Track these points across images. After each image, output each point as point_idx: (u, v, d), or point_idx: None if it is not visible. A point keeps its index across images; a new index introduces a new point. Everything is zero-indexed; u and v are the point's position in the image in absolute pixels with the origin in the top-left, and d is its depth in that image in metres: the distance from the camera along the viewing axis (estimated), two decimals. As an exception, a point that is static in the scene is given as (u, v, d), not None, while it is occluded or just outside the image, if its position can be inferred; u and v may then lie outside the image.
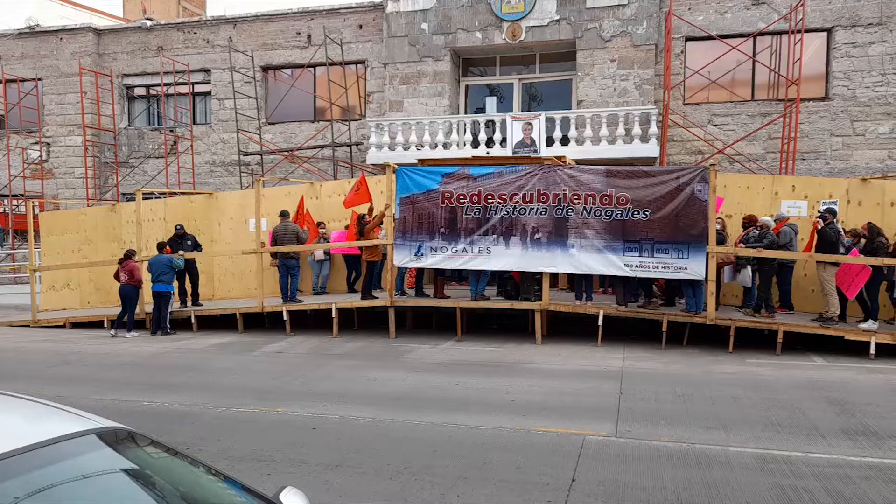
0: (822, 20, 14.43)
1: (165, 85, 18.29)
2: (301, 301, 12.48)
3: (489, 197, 10.90)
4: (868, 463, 5.43)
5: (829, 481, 5.02)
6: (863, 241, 10.00)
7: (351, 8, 17.41)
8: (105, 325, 13.37)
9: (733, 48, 14.26)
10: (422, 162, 12.69)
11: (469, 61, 17.32)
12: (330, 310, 11.80)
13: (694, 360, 9.46)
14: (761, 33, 14.62)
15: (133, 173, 18.78)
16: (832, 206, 10.66)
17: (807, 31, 14.10)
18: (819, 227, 9.84)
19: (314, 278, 13.58)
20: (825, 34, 14.61)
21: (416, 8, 16.36)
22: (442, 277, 12.07)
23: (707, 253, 10.00)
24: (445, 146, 15.26)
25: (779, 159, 14.44)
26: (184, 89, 18.67)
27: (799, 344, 9.83)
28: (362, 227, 11.92)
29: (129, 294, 12.35)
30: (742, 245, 10.42)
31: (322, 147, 17.02)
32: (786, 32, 14.32)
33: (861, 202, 11.11)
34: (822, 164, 14.47)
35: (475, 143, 15.03)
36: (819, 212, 10.58)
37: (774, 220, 10.66)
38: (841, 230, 10.06)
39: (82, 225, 15.18)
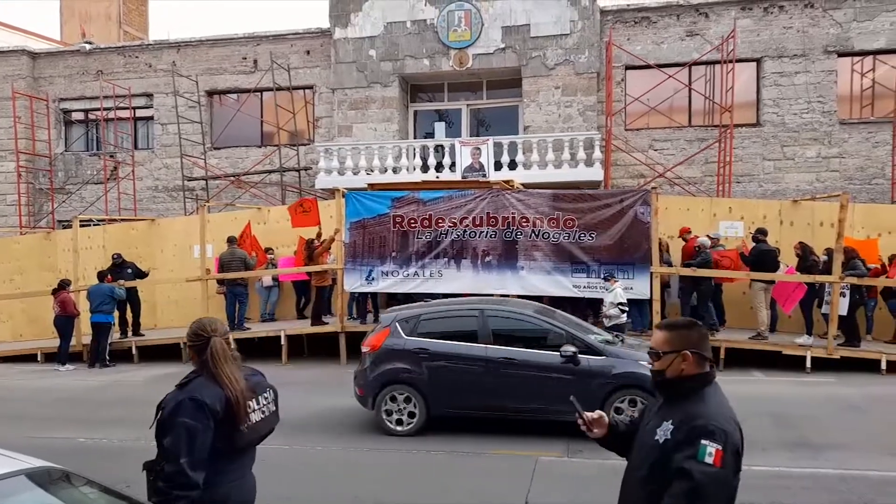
0: (751, 51, 15.22)
1: (105, 109, 17.75)
2: (249, 329, 12.18)
3: (439, 221, 10.97)
4: (807, 473, 5.63)
5: (771, 492, 5.18)
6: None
7: (298, 34, 17.38)
8: (39, 358, 12.72)
9: (670, 77, 14.88)
10: (372, 186, 12.67)
11: (417, 87, 17.50)
12: (279, 337, 11.55)
13: (641, 379, 9.64)
14: (696, 63, 15.32)
15: (70, 200, 18.06)
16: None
17: (738, 61, 14.84)
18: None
19: (262, 305, 13.29)
20: (755, 64, 15.41)
21: (364, 35, 16.47)
22: (394, 301, 12.01)
23: (651, 273, 10.29)
24: (395, 171, 15.29)
25: (716, 182, 15.05)
26: (125, 114, 18.16)
27: (739, 359, 10.18)
28: (311, 252, 11.77)
29: (62, 326, 11.85)
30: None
31: (270, 172, 16.80)
32: (718, 62, 15.03)
33: (793, 223, 11.68)
34: (755, 186, 15.15)
35: (425, 168, 15.12)
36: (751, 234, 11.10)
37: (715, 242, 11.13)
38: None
39: (14, 254, 14.49)
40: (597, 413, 2.56)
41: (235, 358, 2.90)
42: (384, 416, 6.95)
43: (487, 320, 7.00)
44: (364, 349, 7.24)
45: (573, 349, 6.51)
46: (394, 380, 6.96)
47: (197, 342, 2.86)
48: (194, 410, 2.63)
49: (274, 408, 3.02)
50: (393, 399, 6.95)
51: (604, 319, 9.52)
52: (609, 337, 7.33)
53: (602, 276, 10.21)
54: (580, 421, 2.54)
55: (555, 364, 6.55)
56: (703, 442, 2.07)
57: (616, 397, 6.49)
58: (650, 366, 2.38)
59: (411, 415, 6.90)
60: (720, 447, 2.07)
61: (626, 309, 9.29)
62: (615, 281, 9.74)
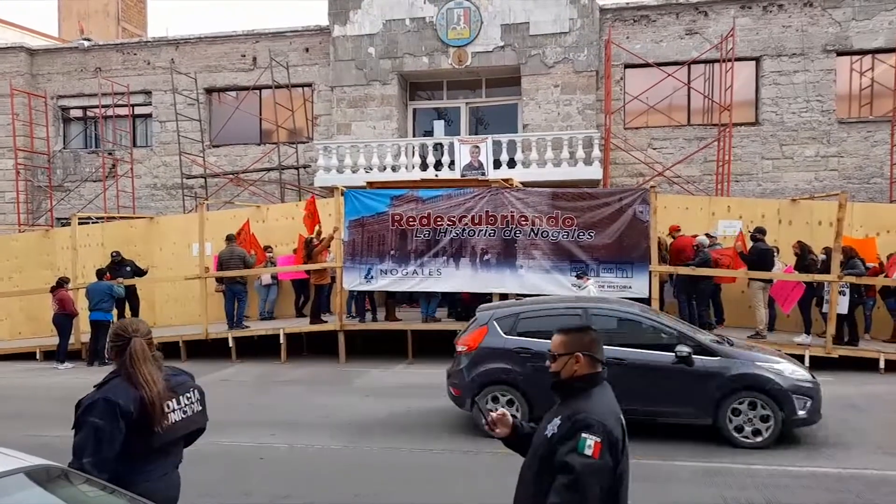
0: (750, 50, 15.23)
1: (104, 107, 17.72)
2: (248, 327, 12.18)
3: (438, 219, 10.95)
4: (805, 472, 5.64)
5: (769, 491, 5.19)
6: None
7: (297, 31, 17.35)
8: (37, 356, 12.71)
9: (669, 75, 14.88)
10: (370, 185, 12.67)
11: (416, 85, 17.48)
12: (278, 335, 11.55)
13: (640, 377, 9.64)
14: (695, 61, 15.32)
15: (68, 197, 18.04)
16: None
17: (737, 59, 14.85)
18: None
19: (261, 303, 13.28)
20: (754, 63, 15.41)
21: (363, 32, 16.45)
22: (392, 300, 12.02)
23: (650, 272, 10.29)
24: (394, 169, 15.29)
25: (714, 181, 15.06)
26: (123, 111, 18.13)
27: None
28: (310, 250, 11.76)
29: (60, 324, 11.84)
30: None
31: (269, 170, 16.78)
32: (717, 61, 15.03)
33: (791, 221, 11.68)
34: (754, 185, 15.17)
35: (424, 166, 15.11)
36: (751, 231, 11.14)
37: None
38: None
39: (13, 251, 14.45)
40: (500, 411, 2.65)
41: (156, 358, 2.94)
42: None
43: (591, 319, 6.72)
44: (460, 348, 7.04)
45: (688, 349, 6.29)
46: (494, 380, 6.77)
47: (117, 342, 2.91)
48: (105, 411, 2.69)
49: (199, 408, 3.04)
50: (495, 400, 6.74)
51: None
52: (715, 336, 7.15)
53: (575, 273, 10.15)
54: (483, 421, 2.64)
55: (667, 365, 6.34)
56: (583, 435, 2.20)
57: (733, 399, 6.26)
58: (548, 367, 2.50)
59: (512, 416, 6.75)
60: (599, 440, 2.19)
61: None
62: (587, 279, 9.74)
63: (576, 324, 2.60)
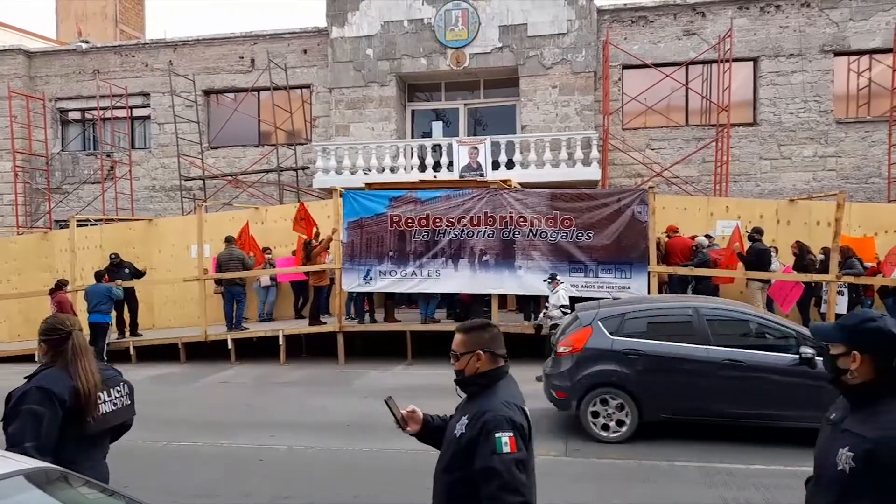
0: (748, 50, 15.25)
1: (102, 109, 17.71)
2: (247, 328, 12.17)
3: (437, 220, 10.95)
4: (805, 472, 5.63)
5: (769, 491, 5.19)
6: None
7: (295, 33, 17.35)
8: (36, 358, 12.68)
9: (667, 76, 14.90)
10: (369, 186, 12.67)
11: (415, 86, 17.49)
12: (277, 337, 11.54)
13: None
14: (693, 62, 15.34)
15: (67, 200, 18.03)
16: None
17: (734, 60, 14.88)
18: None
19: (260, 305, 13.27)
20: (751, 63, 15.44)
21: (361, 34, 16.46)
22: (391, 301, 12.01)
23: (648, 272, 10.30)
24: (393, 170, 15.29)
25: (713, 182, 15.08)
26: (121, 113, 18.12)
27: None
28: (309, 251, 11.76)
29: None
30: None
31: (267, 171, 16.78)
32: (715, 62, 15.05)
33: (790, 222, 11.70)
34: (752, 185, 15.18)
35: (422, 167, 15.11)
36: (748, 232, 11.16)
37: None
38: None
39: (11, 254, 14.45)
40: (410, 408, 2.69)
41: (94, 353, 3.08)
42: (590, 420, 6.54)
43: (703, 319, 6.53)
44: (562, 349, 6.83)
45: (812, 351, 6.10)
46: (603, 382, 6.54)
47: (55, 335, 3.01)
48: (41, 398, 2.79)
49: (129, 402, 3.16)
50: (604, 402, 6.52)
51: (546, 321, 9.54)
52: None
53: (546, 278, 10.09)
54: (394, 420, 2.67)
55: (786, 367, 6.19)
56: (496, 435, 2.25)
57: None
58: (452, 366, 2.53)
59: (620, 422, 6.50)
60: (511, 434, 2.26)
61: (569, 311, 9.07)
62: (558, 283, 9.71)
63: (476, 321, 2.65)
